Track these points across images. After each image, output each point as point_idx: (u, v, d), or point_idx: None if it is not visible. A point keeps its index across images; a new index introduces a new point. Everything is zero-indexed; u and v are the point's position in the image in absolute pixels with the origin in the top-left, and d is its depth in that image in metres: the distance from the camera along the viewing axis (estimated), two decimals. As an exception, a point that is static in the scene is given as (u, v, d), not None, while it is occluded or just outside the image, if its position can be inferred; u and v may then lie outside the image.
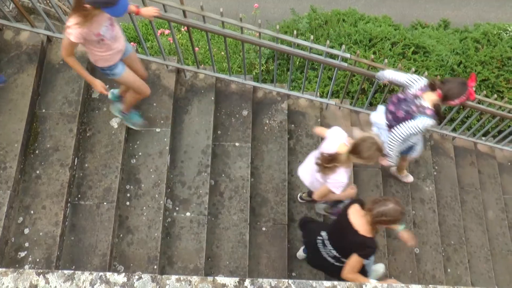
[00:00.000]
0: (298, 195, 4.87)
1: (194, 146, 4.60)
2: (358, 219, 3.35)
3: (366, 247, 3.33)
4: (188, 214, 4.35)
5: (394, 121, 4.08)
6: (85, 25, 3.06)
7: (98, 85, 3.62)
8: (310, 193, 4.49)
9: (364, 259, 3.38)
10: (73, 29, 3.05)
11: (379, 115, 4.34)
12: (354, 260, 3.34)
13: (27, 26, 4.33)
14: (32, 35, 4.41)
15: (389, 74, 4.18)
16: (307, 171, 4.03)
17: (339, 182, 3.50)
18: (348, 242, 3.39)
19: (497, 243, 5.69)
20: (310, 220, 4.37)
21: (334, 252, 3.58)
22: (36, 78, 4.27)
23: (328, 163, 3.45)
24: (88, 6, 2.92)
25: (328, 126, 5.27)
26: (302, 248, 4.59)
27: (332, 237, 3.62)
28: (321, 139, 5.07)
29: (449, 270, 5.30)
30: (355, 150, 3.29)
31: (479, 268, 5.46)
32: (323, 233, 3.69)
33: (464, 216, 5.62)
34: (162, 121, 4.51)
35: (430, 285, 2.01)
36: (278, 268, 4.48)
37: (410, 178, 5.39)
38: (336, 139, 3.56)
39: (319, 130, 3.96)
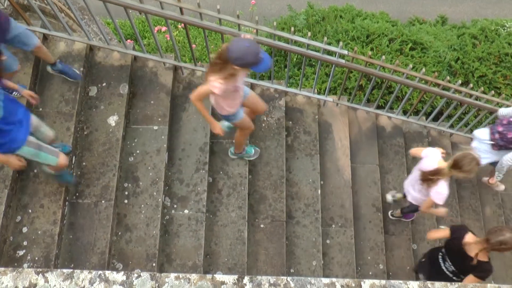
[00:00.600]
0: (390, 213, 5.28)
1: (191, 143, 4.60)
2: (473, 246, 3.70)
3: (484, 271, 3.70)
4: (186, 211, 4.35)
5: (501, 140, 4.72)
6: (231, 81, 3.37)
7: (218, 127, 3.87)
8: (402, 210, 5.09)
9: (481, 280, 3.75)
10: (219, 84, 3.32)
11: (482, 132, 4.95)
12: (471, 280, 3.73)
13: (22, 24, 4.30)
14: (29, 33, 4.38)
15: (502, 112, 4.79)
16: (411, 186, 4.46)
17: (441, 193, 3.92)
18: (466, 264, 3.75)
19: (494, 238, 5.71)
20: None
21: (453, 268, 3.94)
22: (33, 76, 4.25)
23: (431, 177, 3.92)
24: (237, 67, 3.22)
25: (325, 123, 5.30)
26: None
27: (450, 256, 3.98)
28: (318, 135, 5.08)
29: (446, 265, 5.32)
30: (457, 165, 3.72)
31: (477, 263, 5.47)
32: (443, 250, 4.09)
33: (461, 212, 5.64)
34: (159, 119, 4.51)
35: (428, 282, 2.01)
36: (276, 264, 4.49)
37: (502, 187, 5.81)
38: (433, 157, 4.01)
39: (414, 151, 4.34)
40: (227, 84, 3.36)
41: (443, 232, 4.06)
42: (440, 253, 4.10)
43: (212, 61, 3.41)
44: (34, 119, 3.48)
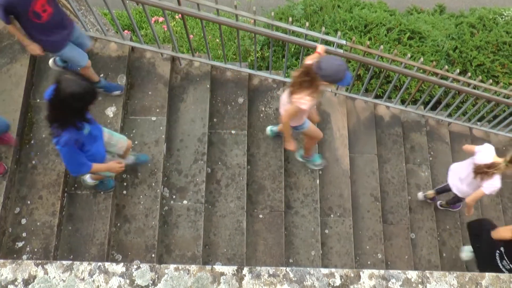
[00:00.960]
0: (439, 203, 5.46)
1: (190, 134, 4.59)
2: None
3: None
4: (185, 202, 4.35)
5: None
6: (316, 96, 3.60)
7: (294, 145, 4.11)
8: (449, 201, 5.29)
9: None
10: (307, 101, 3.53)
11: None
12: None
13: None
14: (25, 24, 4.35)
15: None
16: (456, 179, 4.73)
17: (494, 186, 4.16)
18: None
19: (492, 227, 5.74)
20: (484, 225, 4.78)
21: (511, 266, 4.10)
22: (30, 68, 4.23)
23: (487, 170, 4.14)
24: (325, 82, 3.43)
25: (323, 112, 5.29)
26: (466, 247, 5.19)
27: (510, 254, 4.13)
28: (316, 125, 5.08)
29: (444, 254, 5.35)
30: None
31: (474, 252, 5.51)
32: (502, 248, 4.21)
33: (459, 201, 5.66)
34: (157, 110, 4.50)
35: (426, 271, 2.02)
36: (275, 255, 4.51)
37: None
38: (488, 152, 4.22)
39: (467, 147, 4.58)
40: (314, 99, 3.58)
41: (507, 233, 4.24)
42: (498, 251, 4.25)
43: (296, 79, 3.58)
44: (105, 136, 3.58)
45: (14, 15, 3.31)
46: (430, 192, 5.29)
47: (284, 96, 3.96)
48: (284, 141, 4.04)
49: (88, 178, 3.95)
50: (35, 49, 3.65)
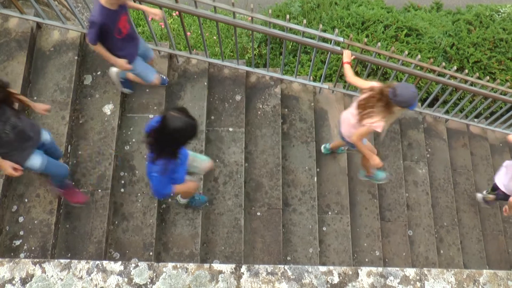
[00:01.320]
0: (482, 197, 5.61)
1: (187, 132, 4.58)
2: None
3: None
4: (182, 200, 4.35)
5: None
6: (388, 119, 3.85)
7: (378, 160, 4.11)
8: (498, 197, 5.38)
9: None
10: (381, 123, 3.74)
11: None
12: None
13: (15, 12, 4.26)
14: (21, 21, 4.34)
15: None
16: (503, 178, 4.90)
17: None
18: None
19: (488, 224, 5.76)
20: None
21: None
22: (27, 65, 4.22)
23: None
24: (398, 107, 3.65)
25: (321, 110, 5.29)
26: None
27: None
28: (314, 123, 5.08)
29: (442, 251, 5.36)
30: None
31: (471, 249, 5.53)
32: None
33: (456, 197, 5.67)
34: (155, 107, 4.49)
35: (424, 268, 2.03)
36: (273, 252, 4.51)
37: None
38: None
39: None
40: (386, 121, 3.80)
41: None
42: None
43: (367, 102, 3.78)
44: (190, 159, 3.71)
45: (102, 34, 3.47)
46: (492, 197, 5.45)
47: (348, 115, 4.11)
48: (369, 160, 4.10)
49: (181, 198, 4.20)
50: (123, 63, 3.78)
